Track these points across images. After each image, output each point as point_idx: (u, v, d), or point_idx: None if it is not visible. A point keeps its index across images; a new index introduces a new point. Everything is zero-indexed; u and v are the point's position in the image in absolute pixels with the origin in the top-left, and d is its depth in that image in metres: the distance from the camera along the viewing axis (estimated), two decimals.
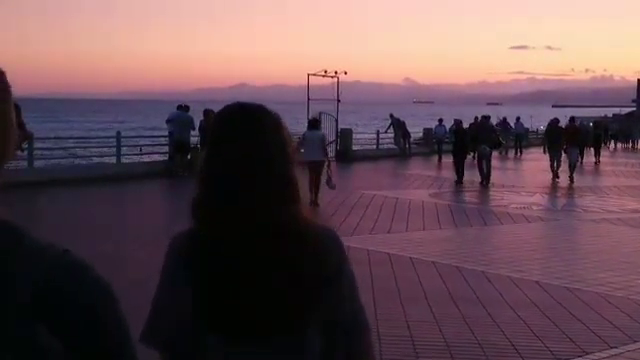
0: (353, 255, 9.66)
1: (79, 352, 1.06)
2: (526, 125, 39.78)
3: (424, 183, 20.40)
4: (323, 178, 14.88)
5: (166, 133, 21.88)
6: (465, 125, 23.48)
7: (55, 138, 29.27)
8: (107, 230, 11.76)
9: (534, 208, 15.58)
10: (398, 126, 31.40)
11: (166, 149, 21.67)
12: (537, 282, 8.54)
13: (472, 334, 6.55)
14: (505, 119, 36.29)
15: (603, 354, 6.12)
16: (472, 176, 20.38)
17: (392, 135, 32.01)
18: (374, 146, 32.05)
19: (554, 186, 20.78)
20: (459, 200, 17.24)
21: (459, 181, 20.11)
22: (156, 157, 22.39)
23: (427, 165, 27.27)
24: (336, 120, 27.27)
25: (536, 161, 29.43)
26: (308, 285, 1.70)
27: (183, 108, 21.00)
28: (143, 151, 23.63)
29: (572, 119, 24.57)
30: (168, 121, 21.27)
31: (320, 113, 22.82)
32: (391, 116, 32.45)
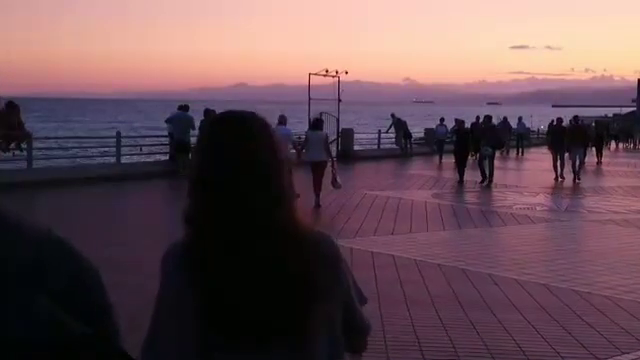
0: (357, 257, 9.55)
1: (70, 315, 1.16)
2: (527, 125, 39.64)
3: (426, 183, 20.25)
4: (326, 179, 14.75)
5: (166, 133, 21.76)
6: (466, 125, 23.28)
7: (54, 138, 29.16)
8: (107, 231, 11.61)
9: (538, 209, 15.42)
10: (399, 126, 31.27)
11: (166, 149, 21.57)
12: (545, 285, 8.39)
13: (480, 339, 6.40)
14: (506, 119, 36.09)
15: None
16: (474, 176, 20.22)
17: (393, 135, 31.88)
18: (375, 146, 31.93)
19: (557, 186, 20.65)
20: (462, 201, 17.10)
21: (460, 181, 19.98)
22: (156, 157, 22.27)
23: (429, 165, 27.13)
24: (337, 120, 27.13)
25: (538, 161, 29.31)
26: (303, 288, 1.70)
27: (183, 108, 20.89)
28: (144, 151, 23.49)
29: (576, 118, 24.45)
30: (168, 121, 21.17)
31: (321, 113, 22.68)
32: (392, 116, 32.32)
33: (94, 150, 27.28)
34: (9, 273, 1.13)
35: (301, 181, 14.69)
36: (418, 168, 25.70)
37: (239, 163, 1.71)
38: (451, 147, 24.40)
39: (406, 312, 7.13)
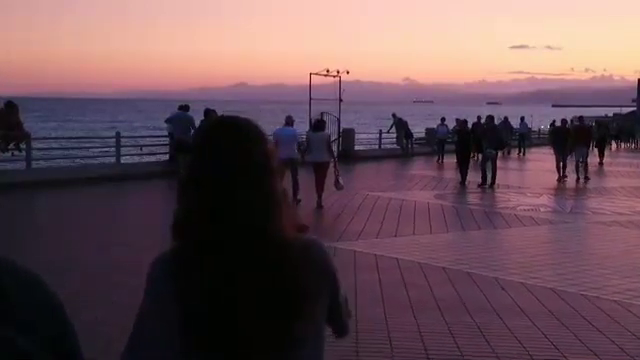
0: (360, 260, 9.41)
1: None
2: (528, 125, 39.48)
3: (428, 184, 20.10)
4: (328, 179, 14.62)
5: (166, 133, 21.61)
6: (468, 125, 23.10)
7: (53, 138, 29.00)
8: (107, 232, 11.46)
9: (542, 210, 15.27)
10: (400, 126, 31.12)
11: (166, 149, 21.43)
12: (552, 289, 8.22)
13: (488, 345, 6.25)
14: (506, 119, 35.89)
15: None
16: (477, 177, 20.05)
17: (394, 135, 31.73)
18: (376, 146, 31.79)
19: (560, 187, 20.50)
20: (465, 202, 16.95)
21: (462, 182, 19.81)
22: (156, 157, 22.12)
23: (430, 165, 26.97)
24: (338, 120, 26.98)
25: (540, 161, 29.17)
26: (291, 297, 1.68)
27: (184, 108, 20.74)
28: (144, 151, 23.33)
29: (581, 119, 24.30)
30: (168, 121, 21.02)
31: (322, 113, 22.53)
32: (393, 116, 32.16)
33: (94, 150, 27.11)
34: None
35: (303, 182, 14.59)
36: (419, 168, 25.55)
37: (235, 165, 1.72)
38: (452, 147, 24.26)
39: (412, 317, 6.97)
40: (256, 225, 1.69)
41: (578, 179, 21.41)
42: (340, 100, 27.35)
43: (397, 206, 14.95)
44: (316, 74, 26.85)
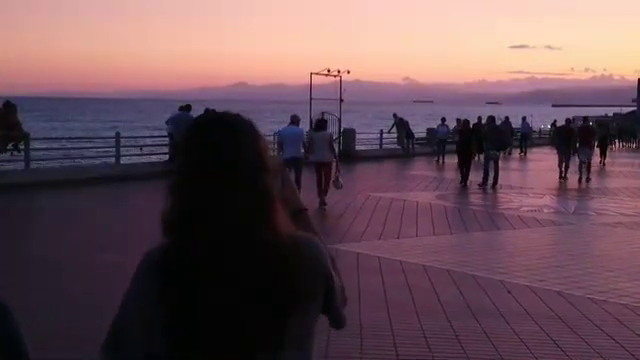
0: (363, 263, 9.27)
1: None
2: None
3: (430, 184, 19.97)
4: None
5: (166, 133, 21.49)
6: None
7: (52, 138, 28.86)
8: (107, 233, 11.33)
9: (545, 211, 15.12)
10: (401, 126, 30.98)
11: (166, 149, 21.31)
12: (559, 292, 8.09)
13: (495, 350, 6.12)
14: (507, 118, 35.69)
15: None
16: (477, 177, 19.89)
17: (395, 135, 31.58)
18: (377, 146, 31.65)
19: (563, 187, 20.37)
20: (467, 202, 16.80)
21: (462, 182, 19.65)
22: (156, 158, 21.99)
23: (431, 166, 26.84)
24: (339, 120, 26.84)
25: (541, 161, 29.06)
26: (283, 299, 1.65)
27: (185, 108, 20.62)
28: (144, 151, 23.20)
29: (586, 119, 24.19)
30: (168, 121, 20.91)
31: (322, 113, 22.38)
32: (394, 116, 32.03)
33: (93, 150, 26.96)
34: None
35: (305, 182, 14.44)
36: (421, 169, 25.42)
37: (222, 162, 1.67)
38: (453, 147, 24.12)
39: (417, 321, 6.83)
40: (245, 225, 1.65)
41: (580, 179, 21.32)
42: (341, 100, 27.22)
43: (399, 207, 14.81)
44: (317, 74, 26.72)
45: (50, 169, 19.11)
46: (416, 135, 32.60)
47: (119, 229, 12.02)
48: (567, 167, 21.83)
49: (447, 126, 29.96)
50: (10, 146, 17.19)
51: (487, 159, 19.60)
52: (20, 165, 18.15)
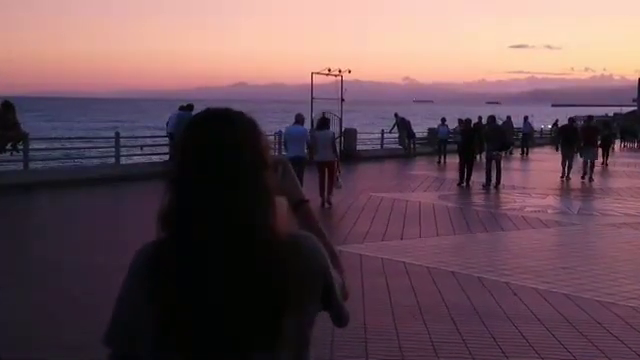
0: (367, 265, 9.13)
1: None
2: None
3: (432, 185, 19.84)
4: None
5: (165, 133, 21.37)
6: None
7: (52, 138, 28.72)
8: (107, 234, 11.21)
9: (549, 211, 14.98)
10: (403, 126, 30.84)
11: (167, 149, 21.20)
12: (566, 295, 7.95)
13: (503, 353, 6.00)
14: (509, 118, 35.54)
15: None
16: (478, 177, 19.76)
17: (396, 135, 31.44)
18: (378, 146, 31.52)
19: (566, 187, 20.24)
20: (470, 203, 16.66)
21: (460, 183, 19.48)
22: (156, 158, 21.86)
23: (433, 166, 26.71)
24: (340, 119, 26.70)
25: (543, 161, 28.94)
26: (279, 299, 1.61)
27: (186, 108, 20.49)
28: (144, 151, 23.06)
29: (590, 118, 24.06)
30: (169, 122, 20.79)
31: (323, 113, 22.25)
32: (396, 115, 31.89)
33: (93, 150, 26.81)
34: None
35: (308, 181, 14.30)
36: (422, 169, 25.29)
37: (221, 161, 1.63)
38: (454, 147, 23.94)
39: (423, 325, 6.69)
40: (243, 224, 1.61)
41: (584, 176, 21.25)
42: (342, 100, 27.09)
43: (402, 207, 14.69)
44: (318, 73, 26.60)
45: (49, 170, 18.98)
46: (417, 135, 32.47)
47: (119, 230, 11.89)
48: (570, 167, 21.74)
49: (447, 126, 29.81)
50: (9, 146, 17.05)
51: (489, 159, 19.43)
52: (19, 166, 18.02)
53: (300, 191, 1.93)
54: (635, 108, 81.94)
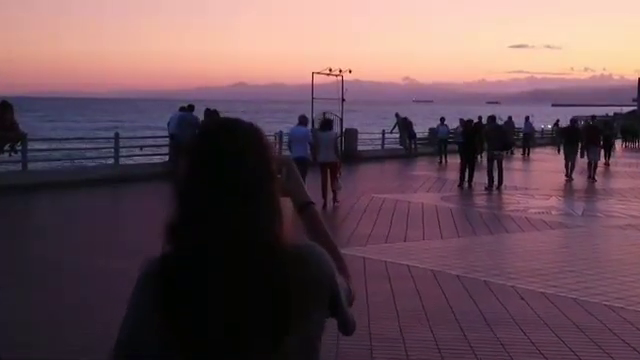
0: (370, 268, 8.97)
1: None
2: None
3: (434, 185, 19.68)
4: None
5: (166, 133, 21.22)
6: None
7: (50, 139, 28.56)
8: (107, 235, 11.07)
9: (553, 213, 14.82)
10: (404, 126, 30.69)
11: (166, 150, 21.06)
12: (575, 300, 7.80)
13: None
14: (510, 118, 35.37)
15: None
16: (480, 178, 19.59)
17: (397, 135, 31.28)
18: (379, 146, 31.36)
19: (569, 188, 20.08)
20: (473, 204, 16.51)
21: (461, 184, 19.31)
22: (156, 158, 21.72)
23: (434, 166, 26.56)
24: (341, 120, 26.55)
25: (545, 162, 28.79)
26: (285, 311, 1.59)
27: (187, 108, 20.32)
28: (144, 151, 22.92)
29: (593, 118, 23.91)
30: (170, 123, 20.63)
31: (324, 113, 22.11)
32: (397, 116, 31.73)
33: (93, 151, 26.66)
34: None
35: (310, 183, 14.16)
36: (423, 169, 25.14)
37: (229, 173, 1.62)
38: (454, 147, 23.75)
39: (429, 331, 6.54)
40: (249, 236, 1.61)
41: (589, 176, 21.15)
42: (343, 100, 26.94)
43: (404, 208, 14.54)
44: (319, 73, 26.46)
45: (47, 171, 18.84)
46: (418, 135, 32.32)
47: (119, 230, 11.76)
48: (573, 167, 21.59)
49: (447, 126, 29.66)
50: (7, 147, 16.87)
51: (490, 160, 19.25)
52: (17, 166, 17.87)
53: (305, 192, 1.90)
54: (635, 108, 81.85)
